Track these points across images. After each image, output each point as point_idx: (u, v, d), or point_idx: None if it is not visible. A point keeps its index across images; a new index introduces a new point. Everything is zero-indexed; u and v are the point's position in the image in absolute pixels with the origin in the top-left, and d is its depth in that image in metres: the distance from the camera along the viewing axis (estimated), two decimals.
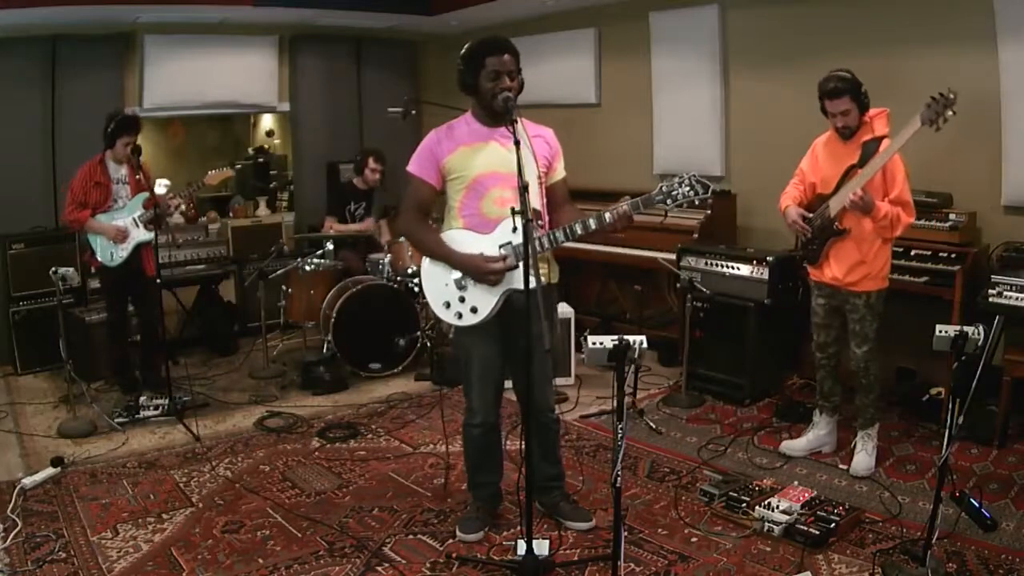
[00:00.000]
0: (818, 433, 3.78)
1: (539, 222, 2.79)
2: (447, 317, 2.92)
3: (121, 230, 4.43)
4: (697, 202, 2.73)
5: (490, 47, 2.77)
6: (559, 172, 3.00)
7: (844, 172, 3.40)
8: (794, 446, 3.77)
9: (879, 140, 3.31)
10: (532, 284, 2.44)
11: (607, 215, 2.73)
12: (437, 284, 2.91)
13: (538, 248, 2.73)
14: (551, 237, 2.78)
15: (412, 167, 2.91)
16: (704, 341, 4.64)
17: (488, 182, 2.82)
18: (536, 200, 2.79)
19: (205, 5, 5.63)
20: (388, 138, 6.57)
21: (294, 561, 2.88)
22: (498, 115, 2.75)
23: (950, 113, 3.02)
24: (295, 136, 7.03)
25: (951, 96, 3.02)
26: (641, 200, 2.72)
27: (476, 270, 2.80)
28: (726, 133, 5.44)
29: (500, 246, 2.81)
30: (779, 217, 5.03)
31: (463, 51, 2.81)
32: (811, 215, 3.54)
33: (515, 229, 2.60)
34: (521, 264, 2.71)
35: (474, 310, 2.85)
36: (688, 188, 2.69)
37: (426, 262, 2.96)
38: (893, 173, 3.29)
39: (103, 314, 5.09)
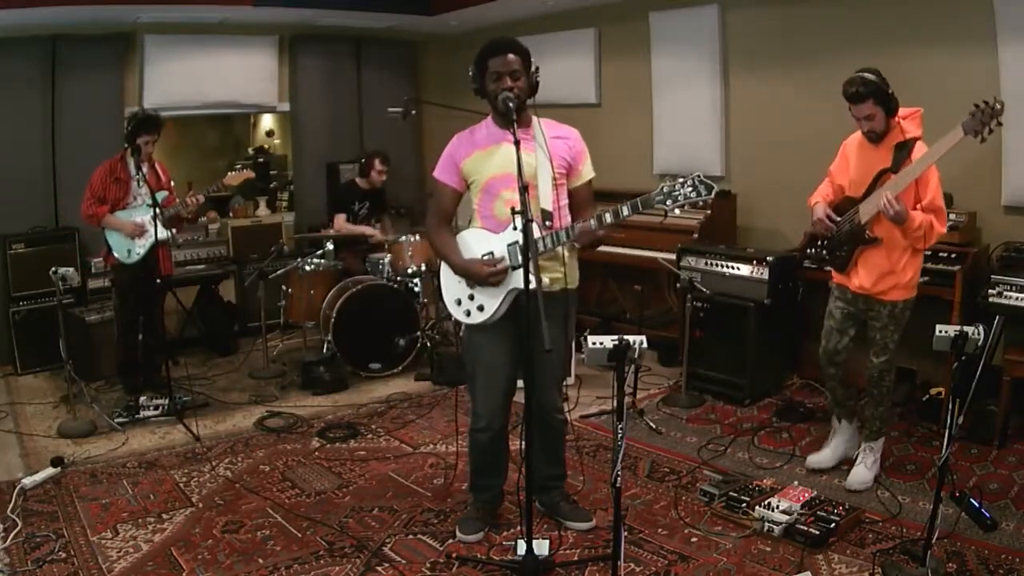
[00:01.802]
0: (842, 440, 3.62)
1: (547, 223, 2.77)
2: (458, 314, 2.97)
3: (139, 225, 4.41)
4: (701, 203, 2.65)
5: (492, 48, 2.78)
6: (584, 175, 2.96)
7: (875, 176, 3.23)
8: (821, 459, 3.60)
9: (912, 143, 3.14)
10: (532, 285, 2.44)
11: (607, 215, 2.70)
12: (451, 281, 2.98)
13: (541, 248, 2.73)
14: (554, 237, 2.77)
15: (436, 172, 2.99)
16: (704, 341, 4.64)
17: (499, 184, 2.84)
18: (549, 201, 2.78)
19: (205, 5, 5.63)
20: (388, 138, 6.58)
21: (294, 561, 2.88)
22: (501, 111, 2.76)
23: (995, 123, 2.81)
24: (295, 136, 7.03)
25: (998, 106, 2.80)
26: (640, 200, 2.66)
27: (475, 275, 2.84)
28: (726, 133, 5.44)
29: (508, 245, 2.82)
30: (779, 217, 5.08)
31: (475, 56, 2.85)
32: (838, 219, 3.37)
33: (515, 228, 2.60)
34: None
35: (481, 308, 2.89)
36: (691, 189, 2.61)
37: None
38: (927, 179, 3.13)
39: (104, 314, 5.10)
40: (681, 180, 2.62)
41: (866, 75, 3.12)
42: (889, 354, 3.35)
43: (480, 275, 2.82)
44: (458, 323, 4.99)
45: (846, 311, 3.45)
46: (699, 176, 2.61)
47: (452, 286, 2.97)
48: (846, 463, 3.58)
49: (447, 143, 3.00)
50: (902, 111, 3.20)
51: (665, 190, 2.64)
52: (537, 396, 2.82)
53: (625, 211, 2.66)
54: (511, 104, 2.67)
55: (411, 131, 7.07)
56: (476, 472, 3.16)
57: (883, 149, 3.23)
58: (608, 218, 2.69)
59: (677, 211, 2.66)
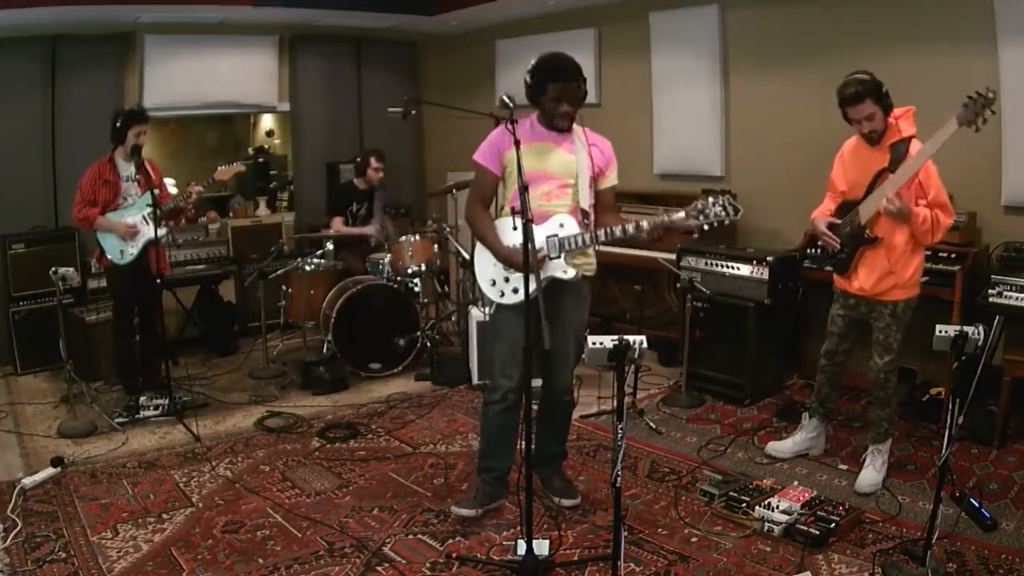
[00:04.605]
0: (805, 436, 3.75)
1: (586, 221, 3.07)
2: (491, 294, 3.15)
3: (131, 226, 4.40)
4: (727, 223, 2.89)
5: (556, 75, 3.01)
6: (610, 180, 3.21)
7: (874, 176, 3.25)
8: (780, 448, 3.76)
9: (907, 141, 3.16)
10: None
11: (644, 223, 2.93)
12: (487, 263, 3.17)
13: (580, 244, 3.00)
14: (593, 235, 2.98)
15: (478, 156, 3.15)
16: (704, 341, 4.64)
17: (537, 178, 3.01)
18: (587, 201, 3.07)
19: (205, 5, 5.63)
20: (388, 138, 6.57)
21: (294, 561, 2.88)
22: (554, 126, 3.09)
23: (989, 113, 2.84)
24: (295, 136, 7.02)
25: (990, 95, 2.83)
26: (678, 216, 2.91)
27: (517, 264, 2.97)
28: (726, 133, 5.44)
29: (547, 237, 3.00)
30: (779, 217, 5.08)
31: (531, 65, 3.04)
32: (839, 222, 3.40)
33: (515, 228, 2.66)
34: (561, 256, 3.00)
35: (516, 291, 3.05)
36: (720, 208, 2.86)
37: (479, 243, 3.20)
38: (928, 176, 3.15)
39: (104, 314, 5.10)
40: (712, 199, 2.86)
41: (860, 75, 3.17)
42: (893, 355, 3.35)
43: (521, 265, 2.92)
44: (459, 322, 5.31)
45: (847, 318, 3.49)
46: (729, 198, 2.87)
47: (488, 268, 3.16)
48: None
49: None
50: (896, 111, 3.23)
51: (699, 207, 2.88)
52: (551, 378, 3.20)
53: (665, 218, 2.93)
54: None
55: (411, 131, 7.07)
56: (485, 453, 3.28)
57: (880, 150, 3.25)
58: (646, 225, 2.93)
59: (706, 226, 2.91)
